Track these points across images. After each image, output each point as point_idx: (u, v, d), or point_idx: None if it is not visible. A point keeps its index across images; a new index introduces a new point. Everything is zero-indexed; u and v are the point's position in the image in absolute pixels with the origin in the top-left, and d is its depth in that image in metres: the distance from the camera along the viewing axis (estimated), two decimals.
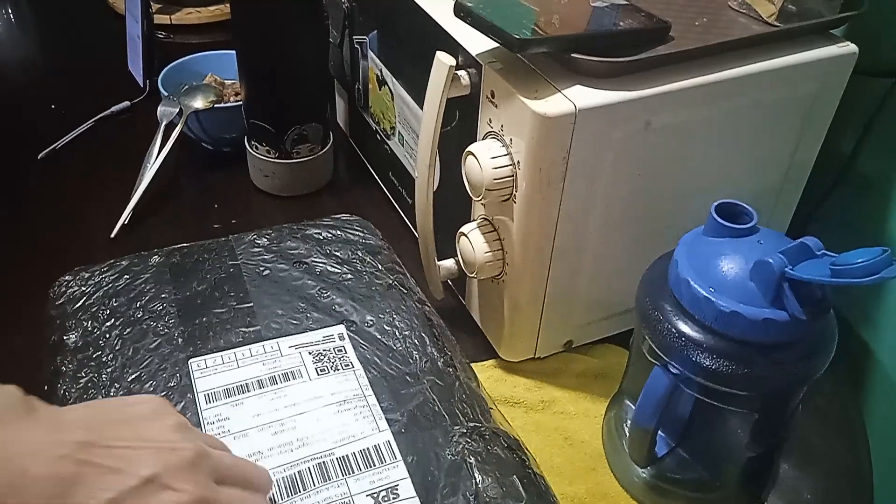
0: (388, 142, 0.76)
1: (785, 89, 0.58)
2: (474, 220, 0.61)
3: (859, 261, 0.40)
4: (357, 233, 0.61)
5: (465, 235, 0.60)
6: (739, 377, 0.46)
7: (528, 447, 0.59)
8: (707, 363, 0.46)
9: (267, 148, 0.78)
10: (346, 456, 0.45)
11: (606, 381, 0.64)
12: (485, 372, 0.65)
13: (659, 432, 0.55)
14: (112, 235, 0.75)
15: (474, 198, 0.57)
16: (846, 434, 0.65)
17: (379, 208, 0.81)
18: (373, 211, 0.81)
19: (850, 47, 0.59)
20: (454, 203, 0.63)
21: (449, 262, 0.66)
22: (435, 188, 0.66)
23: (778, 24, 0.57)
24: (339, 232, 0.61)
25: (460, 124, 0.60)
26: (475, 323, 0.68)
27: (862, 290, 0.73)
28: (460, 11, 0.52)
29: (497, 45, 0.52)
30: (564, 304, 0.62)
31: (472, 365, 0.65)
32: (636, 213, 0.59)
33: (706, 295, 0.46)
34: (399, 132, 0.72)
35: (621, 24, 0.55)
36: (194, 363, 0.50)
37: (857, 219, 0.74)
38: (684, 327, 0.47)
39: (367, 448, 0.45)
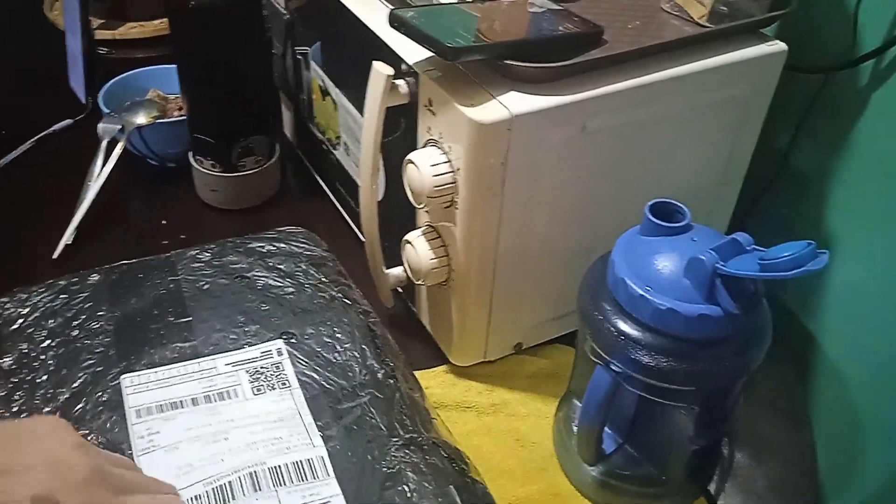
0: (334, 152, 0.76)
1: (718, 89, 0.59)
2: (419, 228, 0.61)
3: (785, 255, 0.41)
4: (301, 245, 0.61)
5: (410, 243, 0.60)
6: (679, 373, 0.47)
7: (479, 451, 0.59)
8: (646, 360, 0.47)
9: (212, 162, 0.77)
10: (279, 467, 0.45)
11: (557, 381, 0.64)
12: (436, 378, 0.65)
13: (606, 430, 0.56)
14: (55, 256, 0.74)
15: (416, 205, 0.57)
16: (794, 423, 0.66)
17: (328, 218, 0.81)
18: (322, 221, 0.81)
19: (780, 46, 0.60)
20: (401, 211, 0.63)
21: (397, 270, 0.66)
22: (381, 197, 0.66)
23: (709, 25, 0.58)
24: (282, 244, 0.61)
25: (405, 133, 0.60)
26: (426, 329, 0.69)
27: (804, 281, 0.75)
28: (394, 21, 0.52)
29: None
30: (512, 307, 0.63)
31: (424, 371, 0.66)
32: (579, 215, 0.60)
33: (642, 293, 0.47)
34: (344, 142, 0.72)
35: (555, 29, 0.56)
36: (126, 379, 0.49)
37: (795, 213, 0.76)
38: (623, 326, 0.48)
39: (300, 461, 0.45)
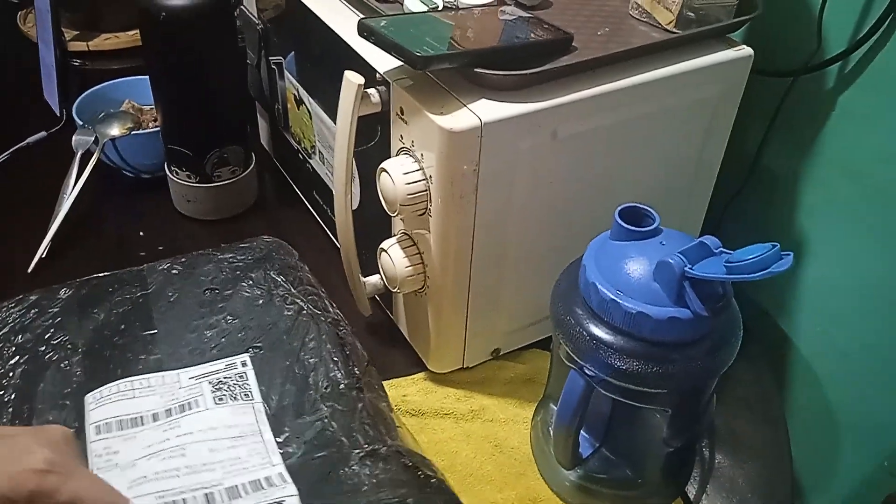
0: (310, 160, 0.76)
1: (686, 93, 0.60)
2: (394, 236, 0.61)
3: (750, 257, 0.42)
4: (273, 255, 0.61)
5: (386, 251, 0.61)
6: (650, 375, 0.48)
7: (457, 457, 0.59)
8: (619, 364, 0.48)
9: (187, 173, 0.77)
10: (236, 486, 0.44)
11: (535, 386, 0.65)
12: (414, 385, 0.65)
13: (583, 433, 0.57)
14: (29, 270, 0.73)
15: (390, 213, 0.57)
16: (769, 422, 0.67)
17: (306, 227, 0.81)
18: (300, 230, 0.81)
19: (746, 50, 0.61)
20: (376, 219, 0.63)
21: (374, 279, 0.66)
22: (356, 205, 0.67)
23: (676, 31, 0.59)
24: (254, 255, 0.60)
25: (380, 141, 0.60)
26: (405, 337, 0.69)
27: (777, 280, 0.76)
28: (363, 31, 0.53)
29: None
30: (488, 313, 0.63)
31: (402, 378, 0.66)
32: (553, 220, 0.60)
33: (613, 297, 0.47)
34: (319, 150, 0.73)
35: (525, 36, 0.56)
36: (89, 396, 0.49)
37: (767, 214, 0.77)
38: (595, 330, 0.49)
39: (259, 479, 0.45)
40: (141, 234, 0.80)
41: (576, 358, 0.50)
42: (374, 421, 0.49)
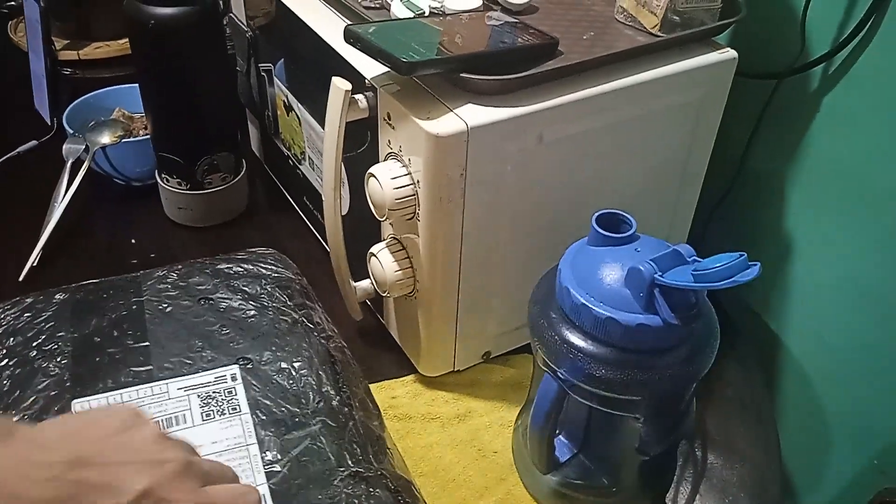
0: (300, 167, 0.76)
1: (672, 96, 0.61)
2: (384, 240, 0.62)
3: (717, 265, 0.42)
4: (270, 267, 0.61)
5: (375, 255, 0.61)
6: (622, 382, 0.47)
7: (440, 462, 0.59)
8: (590, 369, 0.47)
9: (178, 180, 0.78)
10: None
11: (522, 390, 0.65)
12: (403, 388, 0.65)
13: (562, 438, 0.56)
14: (21, 278, 0.73)
15: (379, 218, 0.58)
16: (761, 422, 0.67)
17: (298, 233, 0.81)
18: (292, 236, 0.81)
19: (731, 53, 0.62)
20: (366, 224, 0.63)
21: (365, 283, 0.66)
22: (346, 211, 0.67)
23: (661, 35, 0.60)
24: (251, 266, 0.60)
25: (369, 147, 0.61)
26: (396, 341, 0.69)
27: (767, 281, 0.77)
28: (350, 37, 0.53)
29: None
30: (478, 316, 0.63)
31: (392, 381, 0.66)
32: (540, 224, 0.61)
33: (584, 302, 0.47)
34: (309, 157, 0.73)
35: (511, 41, 0.57)
36: (77, 405, 0.49)
37: (755, 216, 0.77)
38: (567, 334, 0.48)
39: None
40: (132, 241, 0.81)
41: (549, 362, 0.50)
42: (364, 441, 0.49)
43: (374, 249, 0.61)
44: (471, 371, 0.67)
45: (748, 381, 0.70)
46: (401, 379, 0.66)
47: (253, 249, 0.64)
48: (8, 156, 0.89)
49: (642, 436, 0.52)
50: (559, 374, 0.49)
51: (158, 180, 0.80)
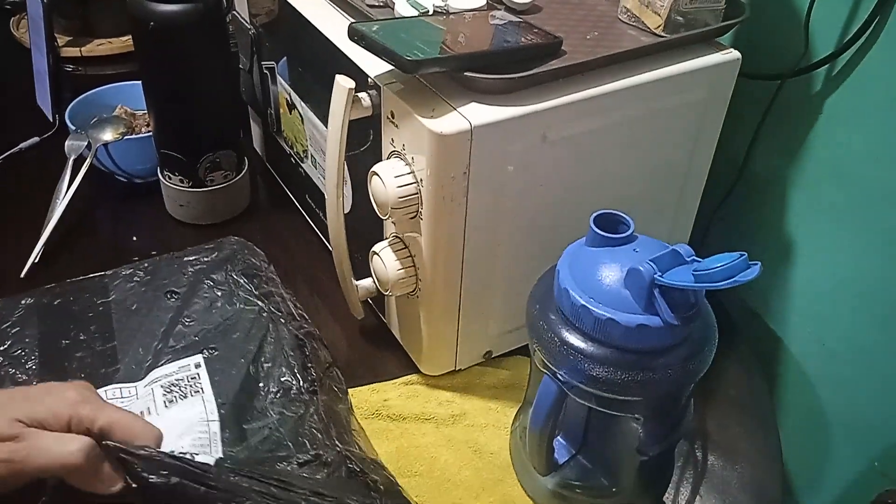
0: (302, 165, 0.76)
1: (675, 97, 0.61)
2: (386, 239, 0.62)
3: (718, 265, 0.42)
4: (237, 256, 0.60)
5: (377, 254, 0.61)
6: (622, 383, 0.47)
7: (436, 463, 0.59)
8: (590, 371, 0.47)
9: (180, 177, 0.78)
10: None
11: (518, 391, 0.64)
12: (396, 389, 0.65)
13: (561, 439, 0.56)
14: (22, 275, 0.73)
15: (382, 216, 0.58)
16: (761, 424, 0.67)
17: (299, 231, 0.81)
18: (293, 234, 0.81)
19: (734, 54, 0.62)
20: (368, 223, 0.63)
21: (367, 282, 0.66)
22: (348, 209, 0.67)
23: (665, 35, 0.60)
24: (218, 256, 0.60)
25: (372, 145, 0.61)
26: (397, 340, 0.69)
27: (767, 282, 0.77)
28: (354, 35, 0.53)
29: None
30: (480, 316, 0.63)
31: (384, 383, 0.65)
32: (543, 224, 0.61)
33: (584, 303, 0.47)
34: (311, 155, 0.73)
35: (514, 41, 0.57)
36: None
37: (756, 217, 0.77)
38: (567, 336, 0.48)
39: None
40: (134, 238, 0.81)
41: (549, 364, 0.50)
42: (326, 425, 0.49)
43: (376, 248, 0.61)
44: (464, 374, 0.67)
45: (749, 382, 0.70)
46: (393, 381, 0.66)
47: (221, 239, 0.64)
48: (10, 152, 0.89)
49: (641, 436, 0.52)
50: (559, 375, 0.49)
51: (160, 178, 0.80)
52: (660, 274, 0.44)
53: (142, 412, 0.49)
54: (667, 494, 0.60)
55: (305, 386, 0.51)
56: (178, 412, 0.49)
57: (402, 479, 0.58)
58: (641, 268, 0.45)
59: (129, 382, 0.51)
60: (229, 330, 0.54)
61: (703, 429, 0.66)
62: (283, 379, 0.51)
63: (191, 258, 0.60)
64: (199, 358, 0.52)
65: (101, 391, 0.50)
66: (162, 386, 0.50)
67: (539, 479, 0.57)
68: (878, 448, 0.70)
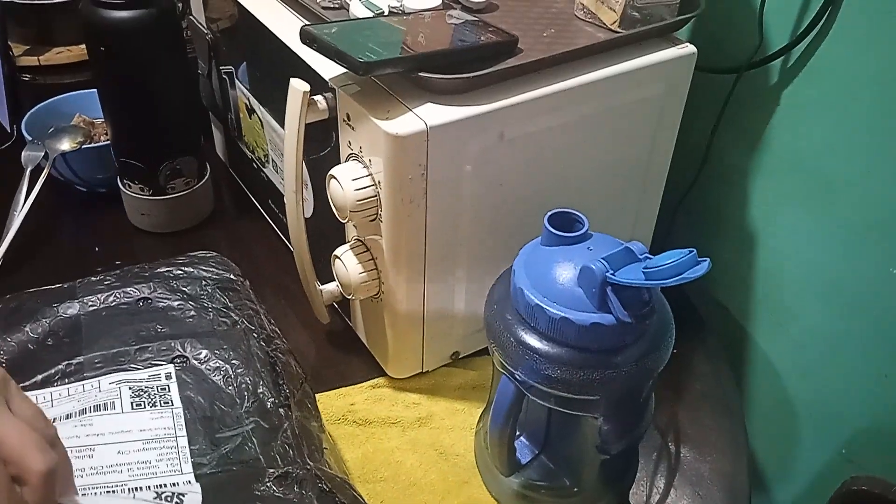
0: (264, 169, 0.76)
1: (632, 92, 0.61)
2: (347, 242, 0.61)
3: (666, 262, 0.42)
4: (211, 269, 0.59)
5: (339, 258, 0.60)
6: (578, 382, 0.47)
7: (401, 467, 0.58)
8: (546, 370, 0.47)
9: (140, 185, 0.77)
10: (140, 488, 0.44)
11: (484, 392, 0.64)
12: (362, 394, 0.65)
13: (524, 440, 0.56)
14: None
15: (341, 220, 0.57)
16: (729, 415, 0.68)
17: (263, 236, 0.81)
18: (257, 239, 0.80)
19: (690, 48, 0.62)
20: (331, 227, 0.63)
21: (332, 286, 0.66)
22: (309, 213, 0.66)
23: (621, 31, 0.60)
24: (191, 269, 0.59)
25: (332, 149, 0.60)
26: (364, 344, 0.69)
27: (732, 274, 0.77)
28: (306, 38, 0.53)
29: None
30: (445, 317, 0.63)
31: (350, 387, 0.65)
32: (504, 223, 0.61)
33: (538, 302, 0.47)
34: (272, 159, 0.72)
35: (470, 40, 0.56)
36: None
37: (720, 209, 0.78)
38: (524, 336, 0.48)
39: (164, 484, 0.44)
40: (96, 248, 0.79)
41: (506, 364, 0.50)
42: (298, 442, 0.48)
43: (337, 252, 0.61)
44: (431, 375, 0.66)
45: (716, 374, 0.71)
46: (359, 385, 0.65)
47: (194, 253, 0.63)
48: None
49: (602, 435, 0.51)
50: (516, 375, 0.49)
51: (120, 186, 0.78)
52: (612, 272, 0.44)
53: (104, 404, 0.48)
54: (640, 487, 0.60)
55: (279, 401, 0.50)
56: (144, 418, 0.47)
57: (367, 486, 0.58)
58: (593, 266, 0.44)
59: (91, 379, 0.50)
60: (202, 341, 0.53)
61: (675, 422, 0.66)
62: (258, 391, 0.50)
63: (162, 269, 0.59)
64: (170, 368, 0.51)
65: (62, 388, 0.49)
66: (130, 388, 0.49)
67: (503, 481, 0.56)
68: (845, 435, 0.71)
